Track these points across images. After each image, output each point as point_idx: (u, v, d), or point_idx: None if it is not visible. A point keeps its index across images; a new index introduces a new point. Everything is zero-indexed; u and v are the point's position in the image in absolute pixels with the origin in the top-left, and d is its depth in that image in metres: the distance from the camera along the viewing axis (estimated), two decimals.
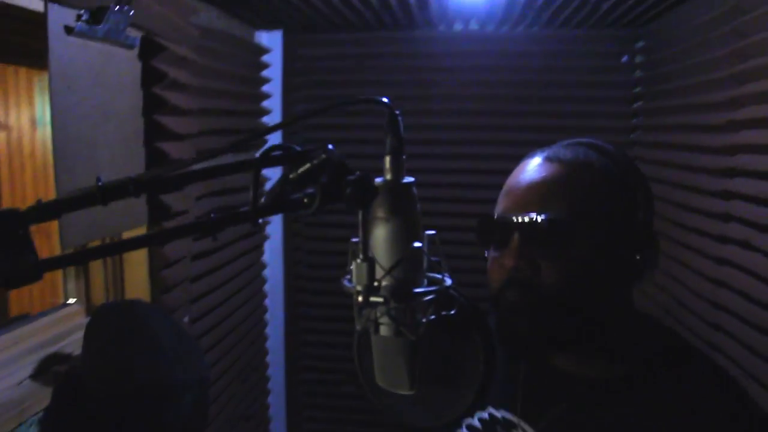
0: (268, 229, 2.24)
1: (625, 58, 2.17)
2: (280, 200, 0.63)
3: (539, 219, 0.78)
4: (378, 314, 0.63)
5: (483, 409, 0.94)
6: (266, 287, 2.24)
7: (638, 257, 0.80)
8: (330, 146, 0.61)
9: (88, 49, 1.15)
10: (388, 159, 0.61)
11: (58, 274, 1.41)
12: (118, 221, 1.27)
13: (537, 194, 0.81)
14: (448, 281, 0.72)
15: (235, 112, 1.90)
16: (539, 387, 0.89)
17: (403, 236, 0.63)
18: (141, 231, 1.39)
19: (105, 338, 1.13)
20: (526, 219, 0.79)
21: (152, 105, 1.34)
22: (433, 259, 0.68)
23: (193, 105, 1.50)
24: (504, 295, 0.81)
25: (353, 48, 2.28)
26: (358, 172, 0.57)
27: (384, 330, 0.64)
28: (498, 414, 0.92)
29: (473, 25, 2.24)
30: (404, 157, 0.62)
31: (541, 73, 2.20)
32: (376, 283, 0.60)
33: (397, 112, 0.61)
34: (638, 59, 2.15)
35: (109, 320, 1.16)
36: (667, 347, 0.84)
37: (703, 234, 1.53)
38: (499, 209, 0.86)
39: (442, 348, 0.84)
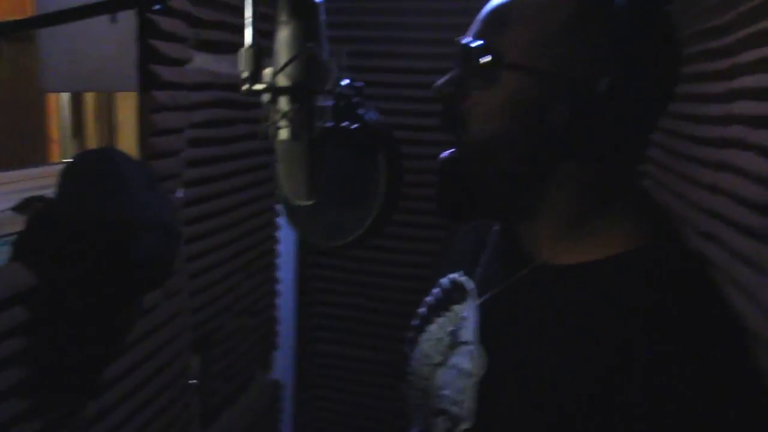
0: None
1: None
2: None
3: (470, 44, 0.72)
4: (278, 118, 0.65)
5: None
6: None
7: (577, 124, 0.67)
8: None
9: None
10: None
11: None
12: (103, 79, 1.35)
13: (482, 18, 0.74)
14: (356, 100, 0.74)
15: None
16: (499, 259, 0.85)
17: (301, 39, 0.65)
18: (130, 96, 1.48)
19: (76, 175, 1.23)
20: (462, 42, 0.74)
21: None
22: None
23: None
24: None
25: None
26: None
27: (283, 134, 0.67)
28: (461, 279, 0.87)
29: None
30: None
31: None
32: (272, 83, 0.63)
33: None
34: None
35: (82, 161, 1.26)
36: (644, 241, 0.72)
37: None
38: None
39: (346, 168, 0.86)
